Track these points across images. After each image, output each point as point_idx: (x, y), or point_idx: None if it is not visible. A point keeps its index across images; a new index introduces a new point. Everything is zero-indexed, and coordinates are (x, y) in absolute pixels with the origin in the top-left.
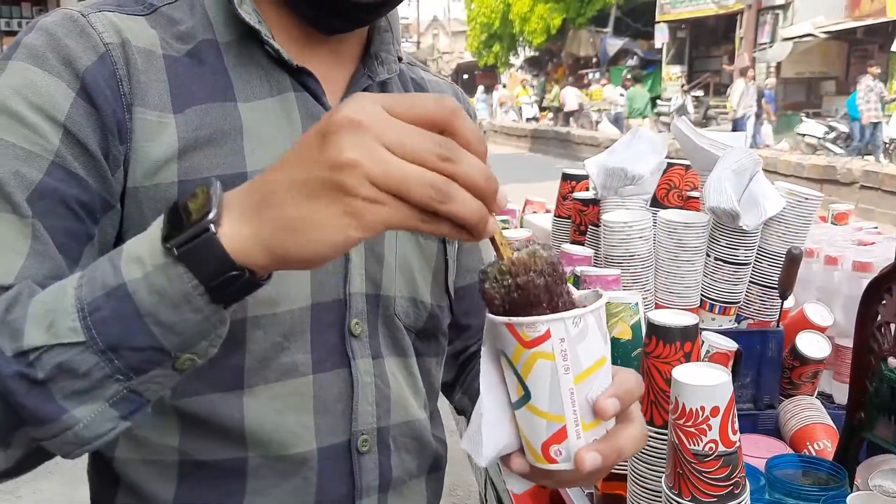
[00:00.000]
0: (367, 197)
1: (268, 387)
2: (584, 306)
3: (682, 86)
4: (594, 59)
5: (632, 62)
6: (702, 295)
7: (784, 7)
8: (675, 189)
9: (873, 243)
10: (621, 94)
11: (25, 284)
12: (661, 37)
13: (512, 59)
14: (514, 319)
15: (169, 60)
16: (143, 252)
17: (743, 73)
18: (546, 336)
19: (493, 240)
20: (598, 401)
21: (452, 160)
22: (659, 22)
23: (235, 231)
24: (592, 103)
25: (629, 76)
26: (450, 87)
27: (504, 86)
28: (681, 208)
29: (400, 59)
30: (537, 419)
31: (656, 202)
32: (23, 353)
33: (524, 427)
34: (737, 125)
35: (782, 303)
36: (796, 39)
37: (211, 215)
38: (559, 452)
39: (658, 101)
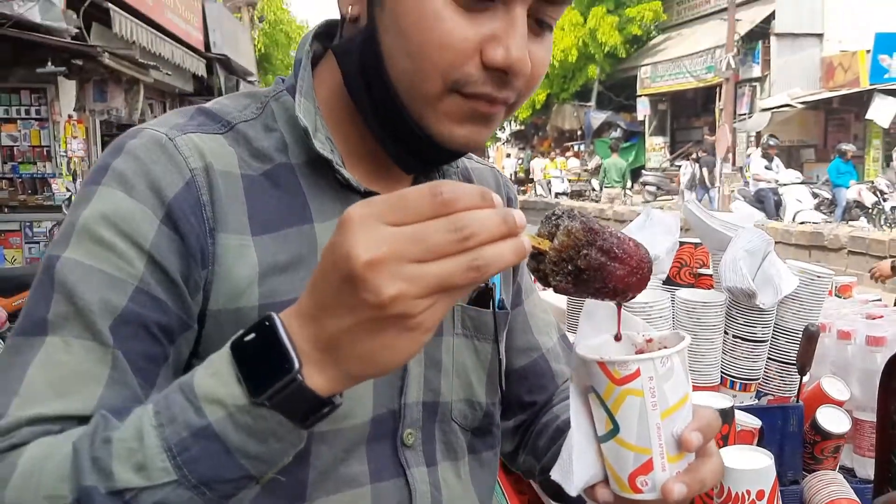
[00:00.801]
0: (422, 309)
1: (328, 499)
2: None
3: (690, 155)
4: (578, 132)
5: (615, 134)
6: (722, 372)
7: (761, 79)
8: (686, 267)
9: (882, 316)
10: (586, 169)
11: (101, 416)
12: (643, 109)
13: (498, 133)
14: (607, 358)
15: (247, 181)
16: (221, 395)
17: (687, 155)
18: (636, 374)
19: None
20: (683, 434)
21: (471, 234)
22: (640, 95)
23: (318, 374)
24: (551, 170)
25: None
26: (490, 173)
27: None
28: (692, 286)
29: (457, 166)
30: (625, 451)
31: (669, 280)
32: (117, 492)
33: (611, 459)
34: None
35: (801, 378)
36: (774, 110)
37: (296, 366)
38: (645, 483)
39: (643, 171)
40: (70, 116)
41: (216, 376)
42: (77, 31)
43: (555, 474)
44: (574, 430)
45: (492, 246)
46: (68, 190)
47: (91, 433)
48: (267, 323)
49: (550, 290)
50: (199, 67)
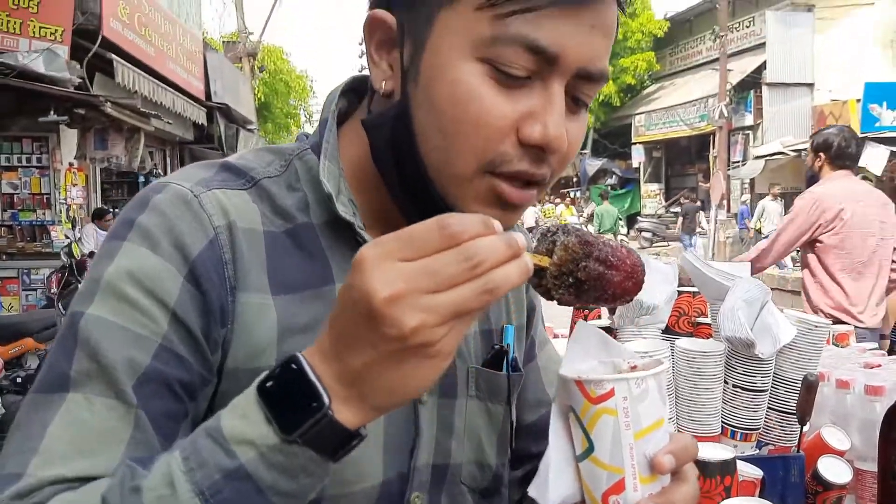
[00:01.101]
0: (441, 336)
1: None
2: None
3: (694, 200)
4: (575, 179)
5: (611, 181)
6: (723, 422)
7: (753, 128)
8: (684, 316)
9: (880, 365)
10: (581, 216)
11: (127, 467)
12: (638, 157)
13: None
14: (583, 377)
15: (269, 238)
16: (251, 435)
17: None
18: (611, 393)
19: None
20: (656, 456)
21: (480, 262)
22: (635, 143)
23: (347, 408)
24: (546, 220)
25: (599, 194)
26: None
27: None
28: (691, 334)
29: None
30: (599, 470)
31: (668, 329)
32: None
33: (586, 478)
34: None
35: (801, 428)
36: (767, 157)
37: (326, 401)
38: (617, 502)
39: (639, 217)
40: (71, 164)
41: (244, 418)
42: (80, 80)
43: (531, 490)
44: (552, 448)
45: (499, 269)
46: (67, 237)
47: (119, 483)
48: (293, 364)
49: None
50: (200, 116)
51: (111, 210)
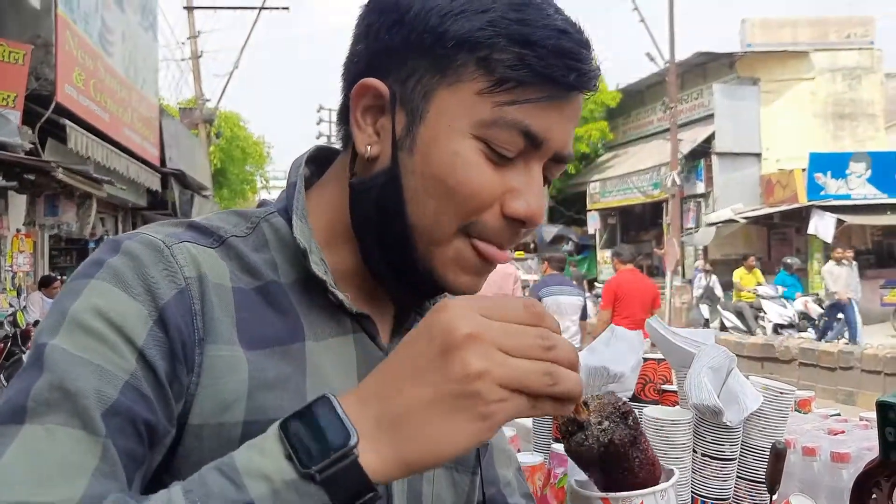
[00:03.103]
0: (498, 398)
1: None
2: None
3: (703, 265)
4: (532, 244)
5: (567, 247)
6: (692, 492)
7: (705, 195)
8: (650, 383)
9: (843, 432)
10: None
11: (120, 496)
12: (594, 223)
13: None
14: (611, 495)
15: (238, 294)
16: (268, 469)
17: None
18: None
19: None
20: None
21: (553, 347)
22: (590, 210)
23: (376, 454)
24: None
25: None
26: None
27: None
28: (657, 402)
29: None
30: None
31: (634, 397)
32: None
33: None
34: None
35: (771, 497)
36: (719, 224)
37: (353, 440)
38: None
39: (595, 283)
40: (18, 231)
41: (263, 454)
42: (32, 146)
43: None
44: None
45: (564, 368)
46: (11, 305)
47: None
48: (322, 403)
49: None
50: (154, 182)
51: (59, 277)
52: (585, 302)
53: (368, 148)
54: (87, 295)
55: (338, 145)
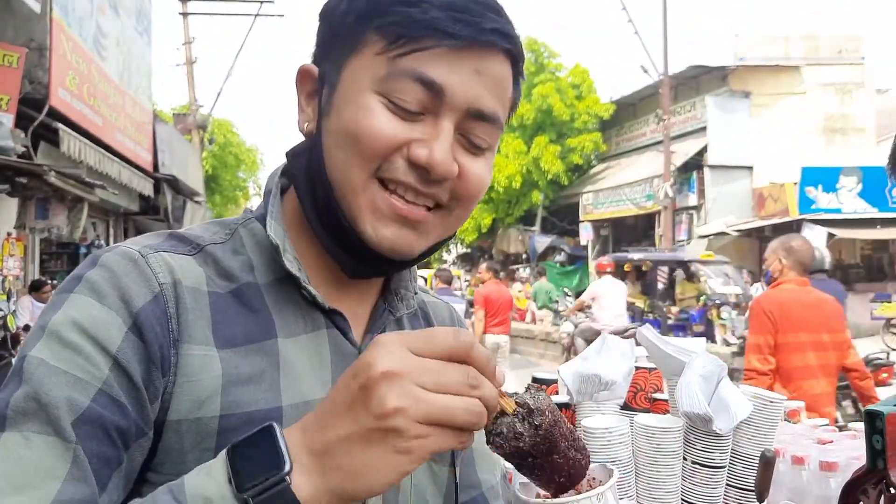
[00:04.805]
0: (416, 435)
1: None
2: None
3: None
4: (524, 255)
5: (560, 258)
6: (682, 499)
7: (697, 208)
8: (641, 391)
9: (832, 441)
10: (519, 291)
11: None
12: (586, 234)
13: (445, 255)
14: (549, 501)
15: (213, 297)
16: (210, 492)
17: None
18: None
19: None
20: None
21: (478, 386)
22: (583, 221)
23: (305, 482)
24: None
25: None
26: (445, 308)
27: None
28: (648, 410)
29: (415, 293)
30: None
31: (626, 405)
32: None
33: None
34: None
35: None
36: (711, 236)
37: (286, 468)
38: None
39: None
40: (9, 234)
41: (208, 475)
42: (24, 149)
43: None
44: None
45: (487, 404)
46: (1, 309)
47: None
48: (267, 429)
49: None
50: (146, 187)
51: (49, 281)
52: (465, 304)
53: (305, 126)
54: (65, 308)
55: None
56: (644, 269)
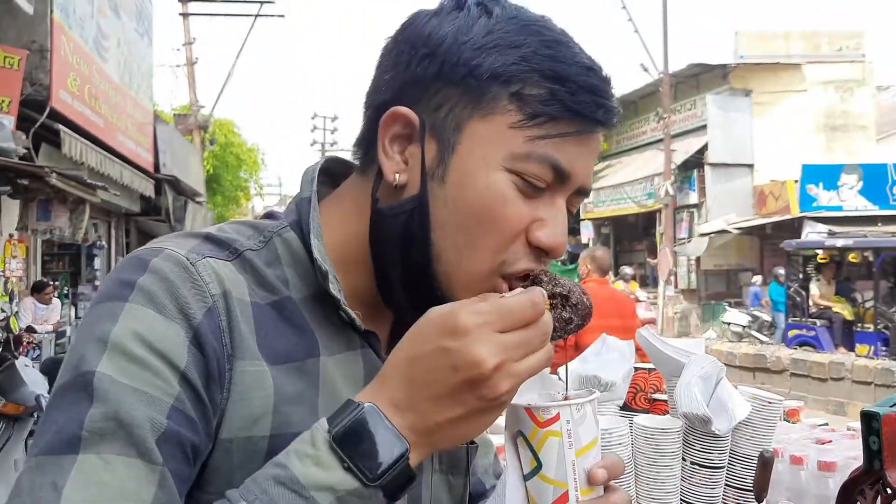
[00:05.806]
0: (511, 395)
1: None
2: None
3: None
4: None
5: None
6: (681, 499)
7: (698, 206)
8: (641, 392)
9: (830, 441)
10: None
11: None
12: (587, 233)
13: None
14: (533, 404)
15: (256, 309)
16: (331, 481)
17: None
18: (556, 418)
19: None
20: (592, 470)
21: (548, 332)
22: (584, 219)
23: (416, 452)
24: None
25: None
26: None
27: None
28: (647, 411)
29: None
30: (546, 485)
31: (625, 406)
32: None
33: (534, 494)
34: None
35: None
36: (712, 234)
37: (406, 451)
38: None
39: None
40: (11, 236)
41: (319, 466)
42: (25, 151)
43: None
44: (509, 469)
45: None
46: (3, 311)
47: None
48: (365, 413)
49: None
50: (148, 188)
51: (51, 283)
52: None
53: (397, 176)
54: (125, 319)
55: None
56: (853, 259)
